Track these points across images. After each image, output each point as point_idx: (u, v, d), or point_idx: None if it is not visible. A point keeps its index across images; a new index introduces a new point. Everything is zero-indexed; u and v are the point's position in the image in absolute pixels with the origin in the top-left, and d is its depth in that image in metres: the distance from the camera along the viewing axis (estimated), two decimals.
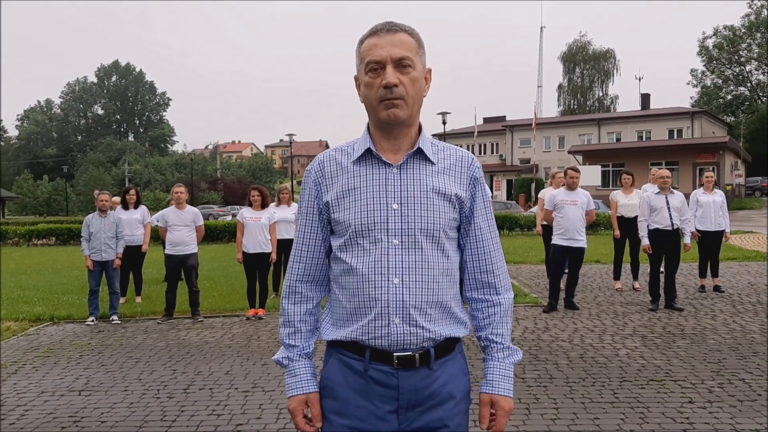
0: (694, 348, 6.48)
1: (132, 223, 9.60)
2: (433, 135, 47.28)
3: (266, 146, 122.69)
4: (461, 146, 2.05)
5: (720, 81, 67.53)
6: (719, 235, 9.86)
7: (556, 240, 8.54)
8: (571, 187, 8.58)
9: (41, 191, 68.51)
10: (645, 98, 62.65)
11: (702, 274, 10.09)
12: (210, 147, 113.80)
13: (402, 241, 1.83)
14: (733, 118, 64.87)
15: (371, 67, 1.83)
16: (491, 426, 1.91)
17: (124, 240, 8.75)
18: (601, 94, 77.06)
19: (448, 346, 1.90)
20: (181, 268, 8.55)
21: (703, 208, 9.76)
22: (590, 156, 45.97)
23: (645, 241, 8.46)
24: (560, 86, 78.29)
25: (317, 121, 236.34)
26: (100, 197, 8.63)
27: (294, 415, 1.91)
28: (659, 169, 9.08)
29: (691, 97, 70.00)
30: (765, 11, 61.91)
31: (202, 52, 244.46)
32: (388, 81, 1.80)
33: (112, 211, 8.86)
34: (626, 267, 10.57)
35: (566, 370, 5.75)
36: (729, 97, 67.62)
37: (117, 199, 11.18)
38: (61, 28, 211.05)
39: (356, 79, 1.93)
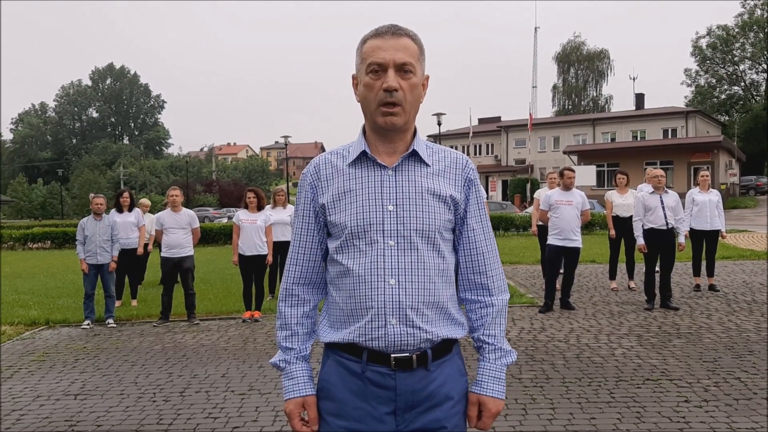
0: (690, 347, 6.49)
1: (126, 226, 9.58)
2: (428, 136, 47.48)
3: (261, 148, 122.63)
4: (456, 147, 2.05)
5: (714, 80, 67.71)
6: (715, 234, 9.88)
7: (551, 240, 8.55)
8: (568, 187, 8.59)
9: (36, 195, 68.29)
10: (639, 98, 62.78)
11: (696, 273, 10.12)
12: (205, 149, 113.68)
13: (398, 243, 1.83)
14: (727, 118, 65.09)
15: (373, 68, 1.83)
16: (477, 425, 1.93)
17: (119, 243, 8.73)
18: (595, 94, 77.36)
19: (446, 347, 1.90)
20: (177, 270, 8.53)
21: (699, 207, 9.80)
22: (585, 156, 46.09)
23: (640, 241, 8.49)
24: (555, 87, 78.52)
25: (313, 123, 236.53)
26: (95, 201, 8.61)
27: (291, 418, 1.91)
28: (654, 168, 9.11)
29: (686, 97, 70.25)
30: (758, 11, 62.12)
31: (197, 53, 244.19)
32: (389, 84, 1.80)
33: (107, 214, 8.84)
34: (622, 267, 10.59)
35: (562, 370, 5.76)
36: (723, 96, 67.80)
37: (145, 201, 11.27)
38: (55, 31, 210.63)
39: (354, 78, 1.94)
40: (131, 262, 9.82)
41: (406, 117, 1.86)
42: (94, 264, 8.41)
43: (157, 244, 9.33)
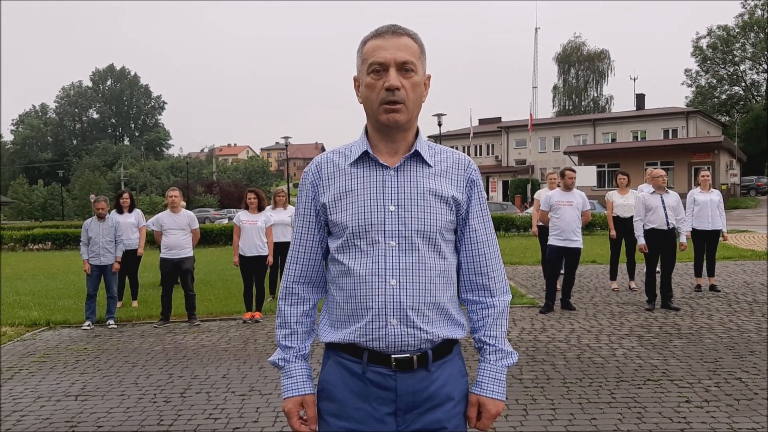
0: (691, 347, 6.49)
1: (127, 227, 9.56)
2: (429, 137, 47.47)
3: (262, 149, 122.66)
4: (457, 148, 2.05)
5: (714, 81, 67.73)
6: (716, 234, 9.87)
7: (552, 241, 8.54)
8: (569, 187, 8.59)
9: (37, 196, 68.31)
10: (640, 98, 62.79)
11: (697, 273, 10.11)
12: (206, 150, 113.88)
13: (399, 243, 1.83)
14: (727, 118, 65.08)
15: (374, 68, 1.83)
16: (476, 426, 1.93)
17: (123, 244, 8.74)
18: (596, 94, 77.37)
19: (446, 347, 1.90)
20: (176, 271, 8.52)
21: (700, 207, 9.78)
22: (586, 156, 46.08)
23: (641, 241, 8.48)
24: (555, 87, 78.55)
25: (313, 124, 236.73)
26: (97, 205, 8.60)
27: (289, 417, 1.91)
28: (655, 169, 9.11)
29: (686, 97, 70.29)
30: (759, 11, 62.12)
31: (197, 55, 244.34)
32: (391, 83, 1.80)
33: (109, 215, 8.84)
34: (622, 267, 10.58)
35: (563, 371, 5.76)
36: (723, 96, 67.82)
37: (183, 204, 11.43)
38: (56, 32, 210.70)
39: (356, 79, 1.93)
40: (132, 263, 9.81)
41: (409, 115, 1.85)
42: (98, 265, 8.43)
43: (158, 244, 9.33)
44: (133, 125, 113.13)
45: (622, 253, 10.18)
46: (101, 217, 8.53)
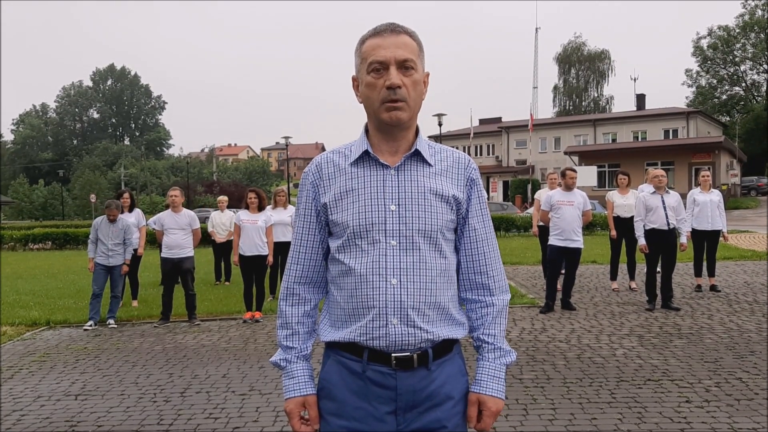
0: (691, 347, 6.49)
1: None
2: (429, 137, 47.44)
3: (262, 149, 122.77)
4: (457, 148, 2.05)
5: (715, 81, 67.75)
6: (716, 234, 9.87)
7: (552, 240, 8.54)
8: (569, 187, 8.59)
9: (37, 195, 68.37)
10: (640, 98, 62.81)
11: (697, 274, 10.11)
12: (206, 150, 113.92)
13: (400, 242, 1.83)
14: (728, 118, 65.11)
15: (374, 67, 1.82)
16: (477, 425, 1.92)
17: (132, 246, 8.74)
18: (596, 94, 77.36)
19: (446, 347, 1.90)
20: (176, 271, 8.51)
21: (700, 207, 9.78)
22: (586, 156, 46.09)
23: (641, 241, 8.48)
24: (556, 87, 78.53)
25: (313, 124, 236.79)
26: (109, 212, 8.56)
27: (291, 417, 1.91)
28: (655, 169, 9.10)
29: (687, 98, 70.32)
30: (759, 11, 62.13)
31: (197, 54, 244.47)
32: (392, 82, 1.79)
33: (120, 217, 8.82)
34: (623, 267, 10.58)
35: (563, 371, 5.75)
36: (724, 97, 67.84)
37: (224, 198, 11.92)
38: (57, 31, 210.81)
39: (354, 79, 1.93)
40: (132, 262, 9.78)
41: (411, 113, 1.85)
42: (105, 265, 8.43)
43: (158, 244, 9.32)
44: (133, 125, 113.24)
45: (623, 253, 10.18)
46: (112, 220, 8.54)
